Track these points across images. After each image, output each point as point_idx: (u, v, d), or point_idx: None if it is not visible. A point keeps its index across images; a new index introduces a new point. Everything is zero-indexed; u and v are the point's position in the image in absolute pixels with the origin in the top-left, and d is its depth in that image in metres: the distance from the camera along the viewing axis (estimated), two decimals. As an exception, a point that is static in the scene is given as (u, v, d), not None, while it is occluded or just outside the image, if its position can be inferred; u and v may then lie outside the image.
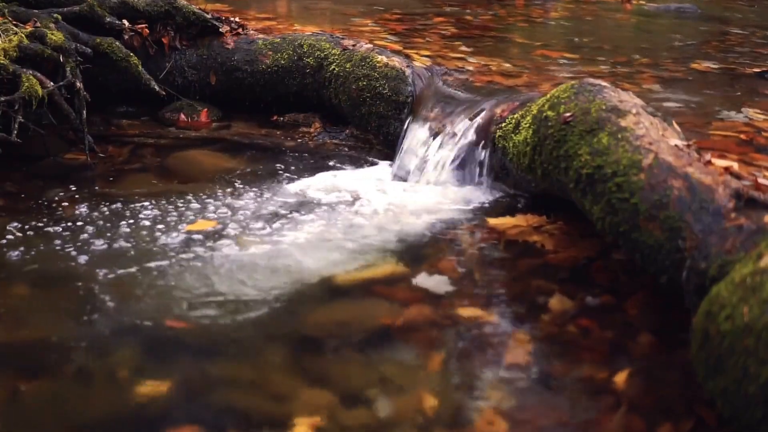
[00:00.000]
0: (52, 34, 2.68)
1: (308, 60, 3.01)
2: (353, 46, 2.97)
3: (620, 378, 1.52)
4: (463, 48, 3.47)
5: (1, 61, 2.49)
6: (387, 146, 2.78)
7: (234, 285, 1.85)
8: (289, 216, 2.23)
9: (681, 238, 1.55)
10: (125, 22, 3.01)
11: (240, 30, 3.18)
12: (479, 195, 2.39)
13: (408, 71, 2.82)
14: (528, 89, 2.66)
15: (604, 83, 2.06)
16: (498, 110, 2.44)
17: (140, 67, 2.93)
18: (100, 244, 2.02)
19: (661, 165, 1.67)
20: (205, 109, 3.11)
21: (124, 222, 2.15)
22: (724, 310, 1.24)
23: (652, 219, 1.62)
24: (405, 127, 2.68)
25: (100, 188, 2.43)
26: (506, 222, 2.21)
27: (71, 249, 1.99)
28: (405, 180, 2.53)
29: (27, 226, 2.10)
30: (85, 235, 2.06)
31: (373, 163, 2.70)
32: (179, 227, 2.13)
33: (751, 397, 1.16)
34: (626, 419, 1.42)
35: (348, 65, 2.89)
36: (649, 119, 1.88)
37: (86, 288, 1.82)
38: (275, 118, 3.09)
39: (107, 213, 2.21)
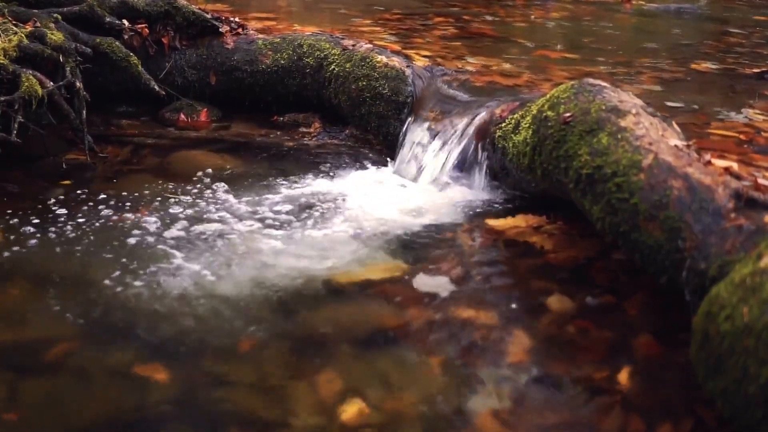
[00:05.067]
0: (52, 34, 2.68)
1: (308, 60, 3.01)
2: (353, 46, 2.97)
3: (620, 378, 1.52)
4: (463, 48, 3.46)
5: (1, 61, 2.48)
6: (387, 146, 2.78)
7: (232, 284, 1.85)
8: (289, 216, 2.23)
9: (681, 239, 1.55)
10: (125, 22, 3.01)
11: (240, 30, 3.18)
12: (479, 195, 2.39)
13: (408, 71, 2.81)
14: (528, 89, 2.65)
15: (604, 83, 2.06)
16: (498, 110, 2.44)
17: (140, 66, 2.93)
18: (100, 243, 2.02)
19: (661, 165, 1.67)
20: (205, 109, 3.11)
21: (123, 221, 2.15)
22: (723, 311, 1.24)
23: (652, 219, 1.62)
24: (405, 127, 2.68)
25: (100, 188, 2.42)
26: (506, 222, 2.21)
27: (72, 249, 1.99)
28: (405, 180, 2.53)
29: (27, 226, 2.10)
30: (86, 235, 2.06)
31: (372, 163, 2.70)
32: (179, 227, 2.14)
33: (751, 397, 1.16)
34: (626, 419, 1.42)
35: (348, 65, 2.89)
36: (649, 119, 1.88)
37: (87, 287, 1.82)
38: (275, 118, 3.08)
39: (107, 213, 2.21)
